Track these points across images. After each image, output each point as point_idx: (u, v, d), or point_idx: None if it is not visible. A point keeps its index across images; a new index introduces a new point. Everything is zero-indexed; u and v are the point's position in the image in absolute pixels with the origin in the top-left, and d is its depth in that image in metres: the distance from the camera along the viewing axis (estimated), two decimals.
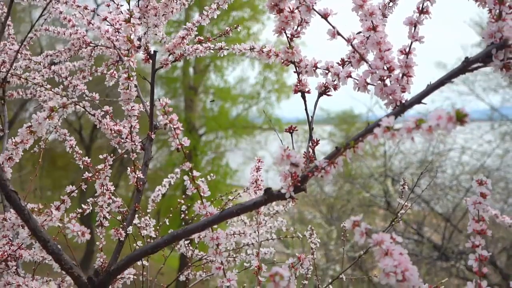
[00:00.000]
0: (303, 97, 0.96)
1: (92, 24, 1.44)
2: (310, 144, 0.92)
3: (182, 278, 1.85)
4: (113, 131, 1.28)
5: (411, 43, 0.80)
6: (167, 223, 1.94)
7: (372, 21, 0.81)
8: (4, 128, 1.64)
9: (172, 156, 10.49)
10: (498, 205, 6.79)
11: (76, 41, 1.58)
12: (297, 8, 0.84)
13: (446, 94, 8.13)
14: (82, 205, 1.27)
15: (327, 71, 0.92)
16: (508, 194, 7.07)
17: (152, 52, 1.34)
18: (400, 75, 0.81)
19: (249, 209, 0.83)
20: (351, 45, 0.86)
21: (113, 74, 1.48)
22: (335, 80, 0.92)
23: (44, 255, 1.23)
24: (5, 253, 1.12)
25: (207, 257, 1.83)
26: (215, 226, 0.88)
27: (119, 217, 1.26)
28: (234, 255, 1.75)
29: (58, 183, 10.61)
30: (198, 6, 8.55)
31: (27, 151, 1.09)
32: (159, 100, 0.85)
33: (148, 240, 1.63)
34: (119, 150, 1.30)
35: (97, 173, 1.19)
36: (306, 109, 0.96)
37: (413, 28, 0.80)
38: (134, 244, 1.49)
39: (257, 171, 1.20)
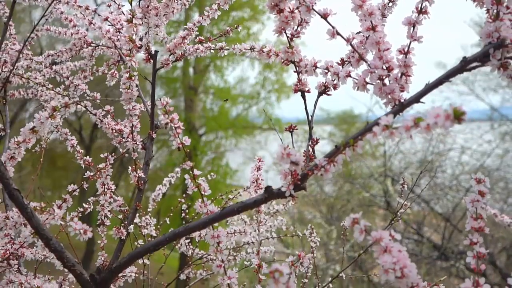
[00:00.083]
0: (303, 96, 0.97)
1: (93, 24, 1.45)
2: (310, 143, 0.93)
3: (182, 276, 1.86)
4: (114, 131, 1.29)
5: (410, 43, 0.81)
6: (168, 222, 1.95)
7: (371, 21, 0.82)
8: (6, 127, 1.65)
9: (172, 156, 10.50)
10: (498, 205, 6.80)
11: (77, 41, 1.59)
12: (297, 8, 0.85)
13: (446, 94, 8.16)
14: (83, 204, 1.27)
15: (326, 71, 0.93)
16: (508, 194, 7.08)
17: (153, 52, 1.34)
18: (399, 74, 0.82)
19: (250, 207, 0.84)
20: (351, 45, 0.87)
21: (114, 74, 1.49)
22: (334, 80, 0.92)
23: (46, 254, 1.24)
24: (7, 252, 1.13)
25: (208, 256, 1.84)
26: (216, 225, 0.88)
27: (120, 216, 1.26)
28: (235, 254, 1.76)
29: (58, 183, 10.62)
30: (198, 6, 8.56)
31: (27, 151, 1.10)
32: (160, 99, 0.86)
33: (149, 239, 1.64)
34: (120, 150, 1.31)
35: (98, 172, 1.20)
36: (306, 109, 0.96)
37: (412, 28, 0.81)
38: (136, 243, 1.50)
39: (257, 171, 1.21)
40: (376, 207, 7.47)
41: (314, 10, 0.84)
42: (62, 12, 1.56)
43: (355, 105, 11.59)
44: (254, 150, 11.20)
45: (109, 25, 1.35)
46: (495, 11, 0.72)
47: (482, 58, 0.73)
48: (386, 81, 0.82)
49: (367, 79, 0.84)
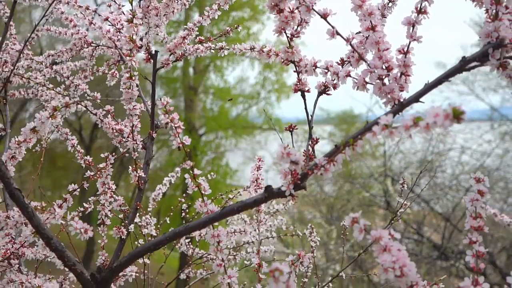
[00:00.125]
0: (303, 96, 0.97)
1: (94, 24, 1.45)
2: (310, 142, 0.93)
3: (182, 276, 1.86)
4: (114, 130, 1.29)
5: (409, 42, 0.82)
6: (168, 222, 1.96)
7: (371, 21, 0.82)
8: (6, 127, 1.65)
9: (172, 156, 10.50)
10: (497, 205, 6.80)
11: (78, 41, 1.59)
12: (297, 8, 0.85)
13: (446, 94, 8.16)
14: (84, 204, 1.28)
15: (326, 71, 0.93)
16: (508, 194, 7.08)
17: (153, 52, 1.35)
18: (399, 74, 0.82)
19: (250, 206, 0.84)
20: (350, 44, 0.87)
21: (114, 74, 1.49)
22: (334, 79, 0.93)
23: (47, 253, 1.24)
24: (8, 251, 1.13)
25: (208, 255, 1.84)
26: (216, 224, 0.89)
27: (120, 216, 1.27)
28: (235, 253, 1.76)
29: (58, 183, 10.63)
30: (198, 7, 8.57)
31: (28, 151, 1.10)
32: (160, 99, 0.86)
33: (149, 238, 1.64)
34: (121, 149, 1.31)
35: (98, 172, 1.21)
36: (306, 108, 0.97)
37: (411, 28, 0.82)
38: (136, 242, 1.50)
39: (257, 170, 1.21)
40: (376, 207, 7.48)
41: (314, 10, 0.84)
42: (62, 12, 1.56)
43: (355, 105, 11.60)
44: (254, 150, 11.21)
45: (109, 25, 1.35)
46: (494, 11, 0.73)
47: (481, 57, 0.74)
48: (386, 80, 0.83)
49: (367, 79, 0.85)
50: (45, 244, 0.97)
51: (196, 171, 0.89)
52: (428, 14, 0.81)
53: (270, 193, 0.81)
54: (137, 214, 1.40)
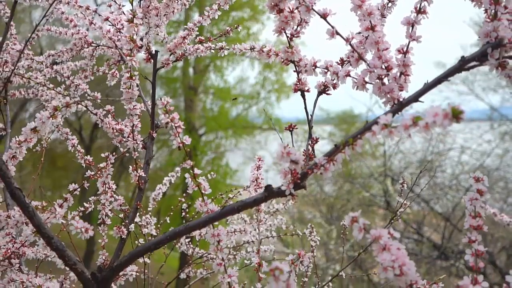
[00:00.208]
0: (303, 96, 0.97)
1: (94, 24, 1.46)
2: (310, 142, 0.93)
3: (182, 275, 1.87)
4: (115, 130, 1.30)
5: (409, 42, 0.82)
6: (168, 221, 1.96)
7: (370, 21, 0.83)
8: (7, 127, 1.66)
9: (172, 156, 10.50)
10: (497, 205, 6.80)
11: (78, 41, 1.60)
12: (297, 8, 0.86)
13: (446, 94, 8.16)
14: (84, 203, 1.28)
15: (326, 70, 0.94)
16: (508, 194, 7.09)
17: (153, 52, 1.35)
18: (398, 73, 0.82)
19: (250, 205, 0.84)
20: (350, 44, 0.87)
21: (114, 74, 1.50)
22: (334, 79, 0.93)
23: (47, 253, 1.25)
24: (9, 251, 1.14)
25: (208, 255, 1.85)
26: (216, 223, 0.89)
27: (121, 215, 1.27)
28: (235, 253, 1.76)
29: (58, 183, 10.62)
30: (198, 7, 8.56)
31: (28, 151, 1.11)
32: (161, 99, 0.86)
33: (149, 238, 1.65)
34: (121, 149, 1.31)
35: (99, 172, 1.21)
36: (305, 108, 0.97)
37: (411, 28, 0.82)
38: (136, 242, 1.51)
39: (257, 170, 1.21)
40: (376, 206, 7.48)
41: (314, 10, 0.84)
42: (62, 12, 1.57)
43: (354, 105, 11.58)
44: (254, 150, 11.20)
45: (109, 25, 1.36)
46: (493, 11, 0.73)
47: (480, 57, 0.74)
48: (385, 80, 0.83)
49: (366, 79, 0.85)
50: (45, 243, 0.97)
51: (196, 171, 0.89)
52: (427, 14, 0.82)
53: (270, 193, 0.81)
54: (137, 213, 1.40)
